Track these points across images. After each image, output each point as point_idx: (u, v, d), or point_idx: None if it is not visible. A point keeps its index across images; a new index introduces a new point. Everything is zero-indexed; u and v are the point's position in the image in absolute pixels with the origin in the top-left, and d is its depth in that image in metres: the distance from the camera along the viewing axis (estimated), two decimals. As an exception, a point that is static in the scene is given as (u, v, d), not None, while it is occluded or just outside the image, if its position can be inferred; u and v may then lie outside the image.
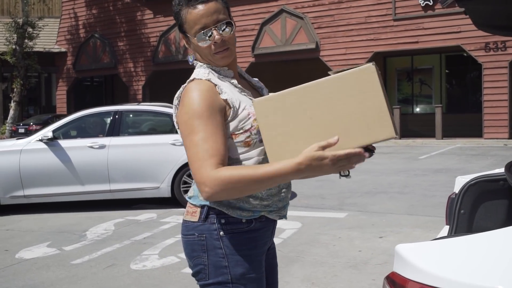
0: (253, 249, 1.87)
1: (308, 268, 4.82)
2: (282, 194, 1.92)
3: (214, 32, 1.82)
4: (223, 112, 1.78)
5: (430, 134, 19.41)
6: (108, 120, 8.43)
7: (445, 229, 2.29)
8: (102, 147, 7.89)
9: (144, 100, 24.55)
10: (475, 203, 2.26)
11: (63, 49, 27.69)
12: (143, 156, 7.91)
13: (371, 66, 1.64)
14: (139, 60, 25.21)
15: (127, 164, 7.85)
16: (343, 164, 1.59)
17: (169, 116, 8.22)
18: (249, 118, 1.80)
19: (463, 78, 21.52)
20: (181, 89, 1.86)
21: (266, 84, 2.16)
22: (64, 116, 14.15)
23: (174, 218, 7.24)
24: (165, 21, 24.10)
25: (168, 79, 25.66)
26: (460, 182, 2.31)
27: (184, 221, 1.92)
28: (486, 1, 1.77)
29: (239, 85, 1.90)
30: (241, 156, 1.80)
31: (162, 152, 7.91)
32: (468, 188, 2.25)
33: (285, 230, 6.22)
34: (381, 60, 21.84)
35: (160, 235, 6.25)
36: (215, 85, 1.82)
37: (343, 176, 1.77)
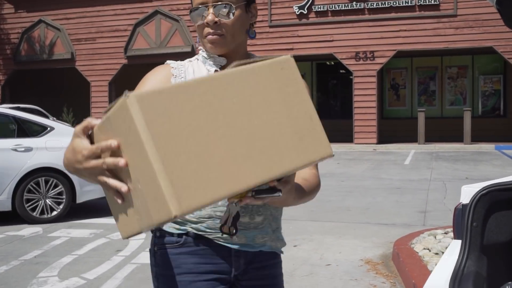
0: (186, 273, 1.53)
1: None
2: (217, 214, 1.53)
3: (210, 10, 1.50)
4: None
5: (304, 139, 19.85)
6: None
7: (455, 243, 2.10)
8: None
9: (4, 101, 22.57)
10: (486, 215, 2.08)
11: None
12: None
13: (290, 59, 1.25)
14: (-3, 58, 23.16)
15: None
16: (96, 172, 1.15)
17: (10, 117, 7.29)
18: None
19: (335, 86, 22.37)
20: None
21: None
22: None
23: (63, 232, 6.52)
24: (28, 17, 22.34)
25: (32, 79, 23.88)
26: (467, 192, 2.13)
27: None
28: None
29: None
30: None
31: (1, 159, 6.93)
32: (480, 198, 2.07)
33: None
34: (256, 66, 22.00)
35: (53, 253, 5.55)
36: (172, 67, 1.58)
37: (226, 233, 1.33)
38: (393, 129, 20.49)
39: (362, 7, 18.66)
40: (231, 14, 1.52)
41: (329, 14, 19.05)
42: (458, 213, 2.14)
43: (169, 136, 1.01)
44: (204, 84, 1.10)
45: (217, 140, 1.07)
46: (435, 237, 5.26)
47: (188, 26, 20.42)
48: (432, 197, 8.59)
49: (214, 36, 1.53)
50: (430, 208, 7.70)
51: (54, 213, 7.15)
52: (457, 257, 2.05)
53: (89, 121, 1.18)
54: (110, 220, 6.99)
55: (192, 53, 20.39)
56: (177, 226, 1.55)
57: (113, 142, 1.08)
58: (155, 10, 20.74)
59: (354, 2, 18.70)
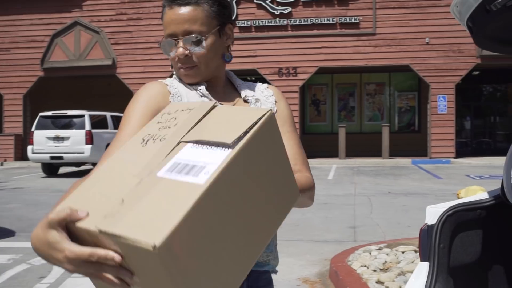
0: None
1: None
2: None
3: (180, 44, 1.44)
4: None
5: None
6: None
7: (422, 265, 2.04)
8: None
9: None
10: (453, 236, 2.04)
11: None
12: None
13: (272, 115, 1.10)
14: None
15: None
16: (89, 271, 0.96)
17: None
18: None
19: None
20: None
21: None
22: None
23: (-23, 256, 6.02)
24: None
25: None
26: (432, 212, 2.08)
27: None
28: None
29: (209, 95, 1.52)
30: None
31: None
32: (446, 219, 2.03)
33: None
34: (178, 80, 21.80)
35: (-32, 280, 5.09)
36: (167, 85, 1.49)
37: None
38: (314, 144, 20.82)
39: (285, 24, 18.92)
40: (202, 45, 1.44)
41: (253, 30, 19.17)
42: (423, 234, 2.09)
43: (191, 276, 0.94)
44: (213, 201, 0.96)
45: (225, 256, 1.00)
46: (370, 254, 5.28)
47: (109, 38, 19.90)
48: (359, 212, 8.70)
49: (187, 69, 1.47)
50: (359, 223, 7.78)
51: None
52: (425, 279, 1.99)
53: (69, 213, 0.94)
54: (30, 244, 6.54)
55: (113, 67, 19.87)
56: None
57: (116, 256, 0.91)
58: (75, 21, 20.08)
59: (278, 19, 18.93)
